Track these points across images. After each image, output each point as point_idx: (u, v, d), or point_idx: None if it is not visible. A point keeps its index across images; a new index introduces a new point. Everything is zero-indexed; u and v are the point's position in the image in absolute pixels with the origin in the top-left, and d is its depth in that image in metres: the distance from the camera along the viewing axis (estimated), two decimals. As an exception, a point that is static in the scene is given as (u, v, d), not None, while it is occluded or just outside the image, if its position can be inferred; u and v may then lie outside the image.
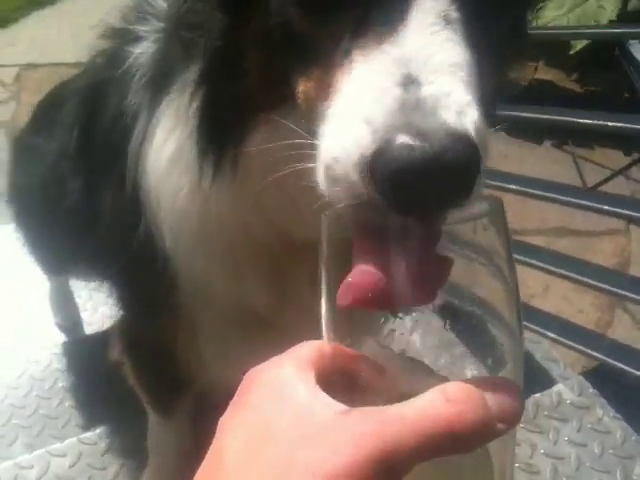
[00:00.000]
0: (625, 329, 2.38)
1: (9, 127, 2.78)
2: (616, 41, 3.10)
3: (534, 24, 3.31)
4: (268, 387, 0.44)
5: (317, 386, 0.43)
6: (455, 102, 0.45)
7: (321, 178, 0.51)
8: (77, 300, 2.02)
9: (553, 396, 1.40)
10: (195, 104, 0.75)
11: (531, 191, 1.70)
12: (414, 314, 0.48)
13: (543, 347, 1.66)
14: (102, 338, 1.30)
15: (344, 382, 0.46)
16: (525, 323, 1.53)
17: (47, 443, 1.41)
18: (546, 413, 1.36)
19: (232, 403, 0.45)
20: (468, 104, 0.46)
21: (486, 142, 0.48)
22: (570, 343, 1.48)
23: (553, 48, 3.49)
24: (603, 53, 3.26)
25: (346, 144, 0.47)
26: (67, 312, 1.99)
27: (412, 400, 0.40)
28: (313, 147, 0.53)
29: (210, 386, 1.07)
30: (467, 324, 0.47)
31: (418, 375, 0.46)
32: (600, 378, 1.50)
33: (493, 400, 0.41)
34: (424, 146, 0.42)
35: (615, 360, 1.40)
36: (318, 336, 0.49)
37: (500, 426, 0.41)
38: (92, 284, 1.97)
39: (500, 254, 0.47)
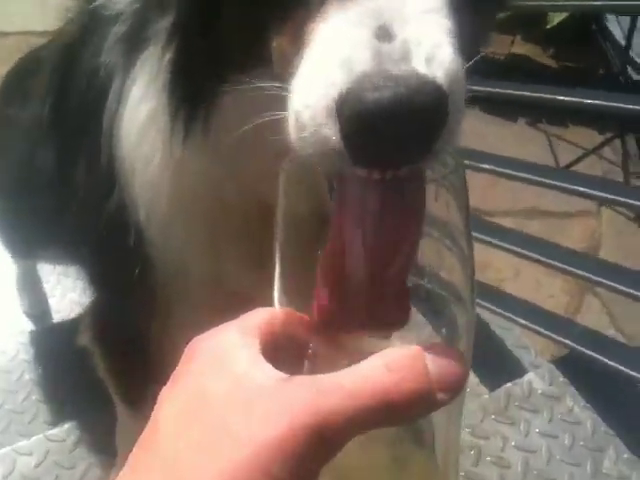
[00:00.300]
0: (594, 314, 2.39)
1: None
2: (594, 15, 3.08)
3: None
4: (209, 355, 0.43)
5: (259, 354, 0.42)
6: (425, 47, 0.45)
7: (291, 126, 0.50)
8: (45, 286, 1.97)
9: (524, 386, 1.41)
10: (167, 57, 0.72)
11: (502, 170, 1.69)
12: None
13: (514, 334, 1.67)
14: (70, 326, 1.26)
15: (295, 350, 0.46)
16: (495, 308, 1.53)
17: (13, 440, 1.37)
18: (517, 404, 1.37)
19: (173, 374, 0.44)
20: (439, 46, 0.46)
21: (460, 89, 0.47)
22: (540, 330, 1.48)
23: (530, 22, 3.46)
24: (580, 29, 3.24)
25: (317, 89, 0.47)
26: (34, 299, 1.94)
27: (353, 367, 0.40)
28: (287, 98, 0.52)
29: None
30: (432, 304, 0.47)
31: (373, 342, 0.44)
32: (571, 366, 1.51)
33: (434, 367, 0.40)
34: (389, 89, 0.42)
35: (585, 348, 1.40)
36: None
37: (441, 396, 0.40)
38: (60, 269, 1.94)
39: (458, 226, 0.47)
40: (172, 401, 0.42)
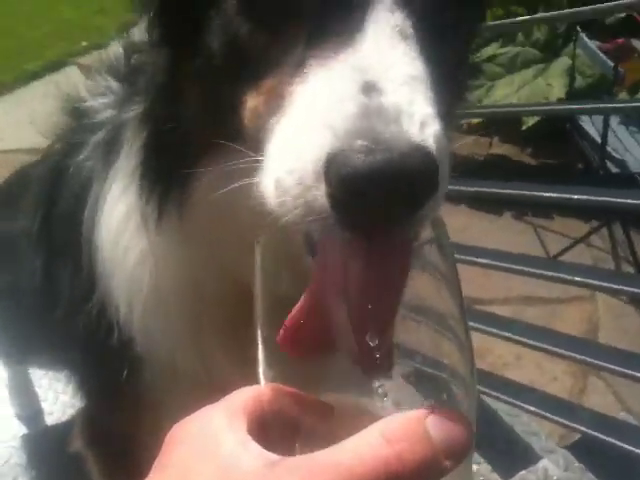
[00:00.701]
0: (600, 395, 2.37)
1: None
2: (567, 117, 3.24)
3: (486, 103, 3.46)
4: (192, 441, 0.40)
5: (247, 435, 0.39)
6: (417, 113, 0.44)
7: (270, 190, 0.49)
8: (37, 389, 1.92)
9: (539, 472, 1.36)
10: (137, 144, 0.73)
11: (495, 263, 1.72)
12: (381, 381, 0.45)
13: (522, 420, 1.64)
14: (63, 429, 1.25)
15: (286, 427, 0.42)
16: (501, 396, 1.51)
17: None
18: (534, 491, 1.32)
19: (155, 463, 0.41)
20: (430, 116, 0.45)
21: (446, 159, 0.47)
22: (550, 416, 1.45)
23: (506, 125, 3.62)
24: (555, 127, 3.39)
25: (303, 149, 0.45)
26: (26, 402, 1.90)
27: (347, 441, 0.37)
28: (260, 165, 0.51)
29: None
30: (434, 387, 0.44)
31: (368, 413, 0.42)
32: (584, 450, 1.47)
33: (437, 432, 0.37)
34: (383, 151, 0.41)
35: (597, 432, 1.37)
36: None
37: (447, 463, 0.37)
38: (52, 372, 1.90)
39: (453, 313, 0.45)
40: None
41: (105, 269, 0.82)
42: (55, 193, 0.94)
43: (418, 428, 0.37)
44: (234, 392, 0.44)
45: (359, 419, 0.40)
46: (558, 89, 3.32)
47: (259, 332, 0.45)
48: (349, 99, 0.44)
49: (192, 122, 0.66)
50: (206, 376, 0.84)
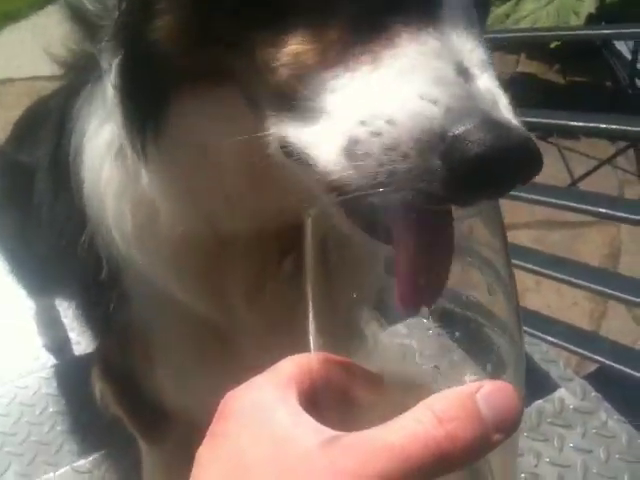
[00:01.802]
0: (620, 320, 2.38)
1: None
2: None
3: (513, 18, 3.32)
4: (245, 413, 0.40)
5: (299, 407, 0.39)
6: (504, 100, 0.47)
7: (332, 149, 0.48)
8: (64, 320, 1.96)
9: (556, 402, 1.37)
10: (113, 72, 0.68)
11: (513, 192, 1.68)
12: (408, 320, 0.45)
13: (541, 348, 1.65)
14: (91, 358, 1.24)
15: (335, 396, 0.43)
16: (524, 327, 1.51)
17: (40, 471, 1.37)
18: (549, 420, 1.34)
19: (208, 433, 0.41)
20: (508, 103, 0.47)
21: None
22: (569, 346, 1.46)
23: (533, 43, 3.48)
24: (584, 44, 3.26)
25: (401, 116, 0.45)
26: (54, 333, 1.94)
27: (399, 420, 0.37)
28: (280, 117, 0.51)
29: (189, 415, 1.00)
30: (465, 329, 0.44)
31: (416, 383, 0.42)
32: (602, 380, 1.48)
33: (488, 408, 0.37)
34: (507, 137, 0.43)
35: (616, 362, 1.38)
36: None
37: (497, 437, 0.37)
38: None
39: (497, 255, 0.45)
40: (211, 465, 0.39)
41: (89, 202, 0.81)
42: (62, 126, 0.92)
43: (469, 405, 0.37)
44: (281, 361, 0.44)
45: (410, 388, 0.41)
46: (588, 4, 3.16)
47: (310, 301, 0.45)
48: (449, 77, 0.46)
49: (169, 50, 0.61)
50: (186, 310, 0.83)
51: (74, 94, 0.84)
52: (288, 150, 0.53)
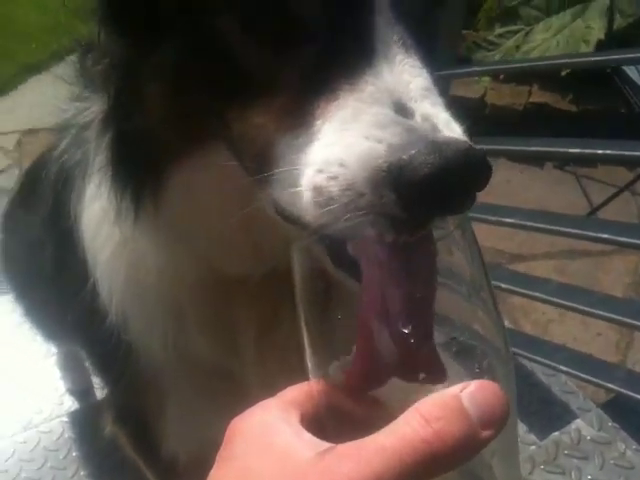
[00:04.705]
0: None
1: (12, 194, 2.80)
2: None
3: (523, 49, 3.35)
4: (251, 434, 0.43)
5: (300, 427, 0.42)
6: (444, 119, 0.50)
7: (303, 205, 0.52)
8: (87, 365, 1.99)
9: (572, 433, 1.36)
10: (103, 145, 0.73)
11: (532, 224, 1.68)
12: None
13: (560, 379, 1.63)
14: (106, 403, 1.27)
15: (337, 418, 0.46)
16: (538, 358, 1.50)
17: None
18: (567, 452, 1.32)
19: (218, 457, 0.44)
20: (451, 118, 0.51)
21: None
22: (585, 376, 1.44)
23: (545, 71, 3.50)
24: (595, 71, 3.27)
25: (350, 160, 0.49)
26: (78, 377, 1.95)
27: (392, 425, 0.39)
28: (263, 181, 0.55)
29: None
30: (469, 355, 0.46)
31: (418, 395, 0.44)
32: (619, 409, 1.46)
33: (473, 405, 0.39)
34: (442, 153, 0.46)
35: (633, 391, 1.36)
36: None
37: (485, 433, 0.39)
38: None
39: (476, 278, 0.49)
40: None
41: (89, 260, 0.85)
42: (55, 186, 0.96)
43: (453, 404, 0.39)
44: (287, 388, 0.48)
45: (408, 402, 0.42)
46: (597, 30, 3.18)
47: (305, 335, 0.48)
48: (392, 120, 0.49)
49: (156, 123, 0.66)
50: (194, 359, 0.86)
51: (74, 151, 0.89)
52: (277, 209, 0.57)
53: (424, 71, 0.53)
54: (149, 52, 0.63)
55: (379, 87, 0.51)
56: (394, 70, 0.52)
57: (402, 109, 0.50)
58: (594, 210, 2.89)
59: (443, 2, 0.69)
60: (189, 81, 0.61)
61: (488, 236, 2.46)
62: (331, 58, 0.54)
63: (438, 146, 0.46)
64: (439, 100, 0.52)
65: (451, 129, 0.49)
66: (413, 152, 0.46)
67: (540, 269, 2.59)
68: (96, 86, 0.78)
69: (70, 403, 1.89)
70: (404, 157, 0.46)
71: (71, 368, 1.96)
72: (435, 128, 0.48)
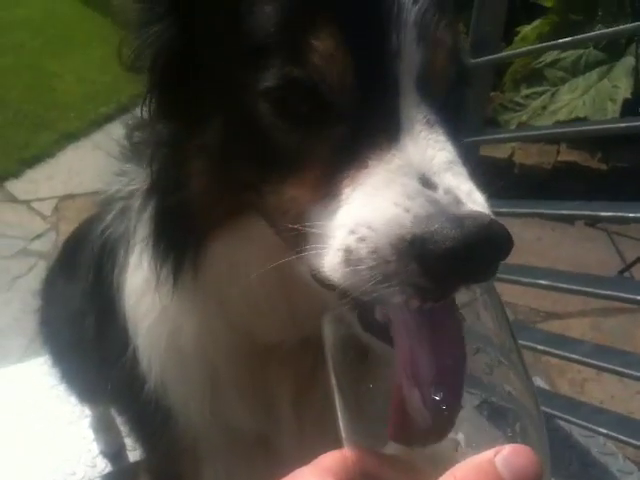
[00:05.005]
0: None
1: (49, 258, 2.87)
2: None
3: (550, 109, 3.37)
4: None
5: None
6: (466, 190, 0.52)
7: (334, 265, 0.54)
8: (120, 426, 1.99)
9: (614, 496, 1.32)
10: (146, 217, 0.77)
11: (565, 286, 1.66)
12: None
13: (598, 441, 1.59)
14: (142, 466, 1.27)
15: None
16: (575, 420, 1.46)
17: None
18: (610, 516, 1.28)
19: None
20: (475, 189, 0.53)
21: None
22: (624, 438, 1.40)
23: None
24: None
25: (378, 226, 0.51)
26: (111, 439, 1.96)
27: None
28: (299, 243, 0.58)
29: None
30: (502, 417, 0.47)
31: (448, 461, 0.44)
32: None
33: (507, 470, 0.40)
34: (469, 227, 0.48)
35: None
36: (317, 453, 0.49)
37: None
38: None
39: (504, 342, 0.50)
40: None
41: (131, 330, 0.89)
42: (99, 257, 1.00)
43: (488, 468, 0.40)
44: (322, 455, 0.49)
45: (439, 467, 0.43)
46: (624, 90, 3.21)
47: (338, 403, 0.50)
48: (413, 187, 0.52)
49: (199, 196, 0.70)
50: (228, 423, 0.88)
51: (118, 224, 0.93)
52: (312, 273, 0.60)
53: (448, 144, 0.56)
54: (194, 134, 0.68)
55: (406, 161, 0.54)
56: (418, 145, 0.55)
57: (427, 182, 0.52)
58: (627, 267, 2.86)
59: (468, 83, 0.73)
60: (230, 159, 0.66)
61: (522, 295, 2.44)
62: (360, 136, 0.57)
63: (460, 221, 0.49)
64: (463, 170, 0.55)
65: (473, 200, 0.52)
66: (436, 226, 0.49)
67: (575, 326, 2.56)
68: (139, 161, 0.82)
69: (103, 465, 1.89)
70: (428, 230, 0.49)
71: (104, 430, 1.97)
72: (458, 201, 0.51)
